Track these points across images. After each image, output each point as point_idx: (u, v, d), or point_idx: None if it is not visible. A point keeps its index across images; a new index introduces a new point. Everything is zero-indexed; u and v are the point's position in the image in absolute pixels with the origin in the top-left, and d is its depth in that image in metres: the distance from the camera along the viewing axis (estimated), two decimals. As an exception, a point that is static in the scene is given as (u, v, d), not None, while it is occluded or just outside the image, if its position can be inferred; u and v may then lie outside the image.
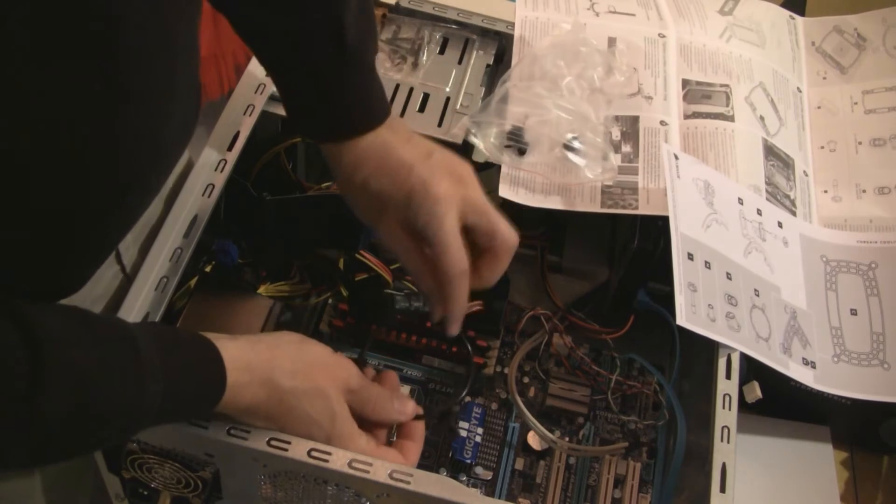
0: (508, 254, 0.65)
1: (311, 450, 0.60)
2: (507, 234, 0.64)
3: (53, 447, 0.49)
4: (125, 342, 0.51)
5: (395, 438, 0.67)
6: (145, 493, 0.68)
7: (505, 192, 0.78)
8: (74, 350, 0.48)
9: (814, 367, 0.74)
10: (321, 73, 0.64)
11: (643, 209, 0.76)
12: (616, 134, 0.82)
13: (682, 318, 0.68)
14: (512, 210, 0.84)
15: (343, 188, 0.68)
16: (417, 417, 0.67)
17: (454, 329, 0.66)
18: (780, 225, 0.80)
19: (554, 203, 0.78)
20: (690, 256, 0.71)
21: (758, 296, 0.74)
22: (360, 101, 0.65)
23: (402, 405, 0.65)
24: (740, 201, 0.78)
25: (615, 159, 0.80)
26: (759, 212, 0.79)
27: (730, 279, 0.73)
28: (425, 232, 0.62)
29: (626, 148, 0.81)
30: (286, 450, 0.59)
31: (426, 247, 0.64)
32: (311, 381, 0.59)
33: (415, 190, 0.62)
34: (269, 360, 0.58)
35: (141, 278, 0.66)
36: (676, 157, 0.76)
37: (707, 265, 0.72)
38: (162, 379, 0.51)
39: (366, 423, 0.63)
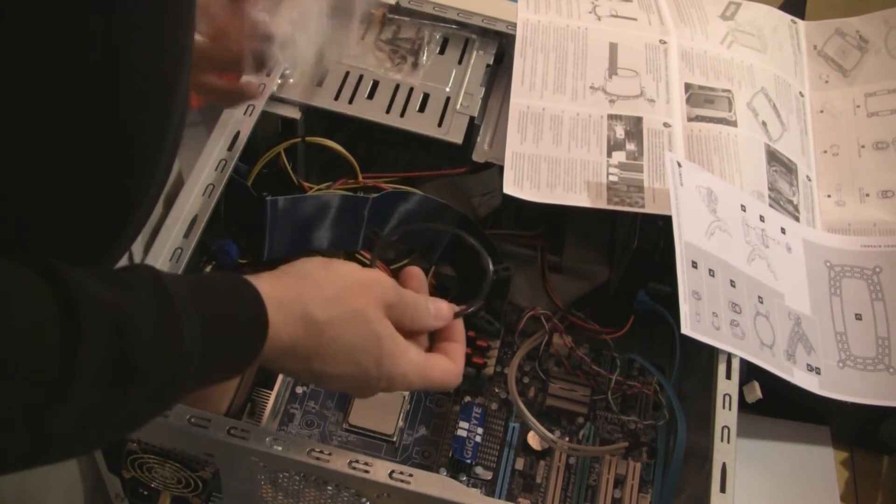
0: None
1: (311, 450, 0.60)
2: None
3: (98, 412, 0.44)
4: (150, 287, 0.46)
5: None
6: (145, 493, 0.68)
7: (510, 188, 0.78)
8: (106, 300, 0.44)
9: (818, 373, 0.74)
10: None
11: (649, 207, 0.76)
12: (620, 132, 0.82)
13: (687, 327, 0.68)
14: (512, 208, 0.84)
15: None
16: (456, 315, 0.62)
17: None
18: (783, 231, 0.80)
19: (559, 198, 0.78)
20: (694, 265, 0.71)
21: (762, 303, 0.74)
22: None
23: (437, 309, 0.60)
24: (743, 208, 0.78)
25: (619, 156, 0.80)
26: (761, 218, 0.79)
27: (734, 287, 0.73)
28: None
29: (631, 146, 0.81)
30: (286, 450, 0.59)
31: None
32: (348, 305, 0.55)
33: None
34: (300, 293, 0.53)
35: (141, 278, 0.66)
36: (679, 165, 0.76)
37: (711, 273, 0.72)
38: (198, 321, 0.47)
39: (406, 333, 0.59)
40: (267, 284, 0.52)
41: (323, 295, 0.54)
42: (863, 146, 0.89)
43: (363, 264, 0.76)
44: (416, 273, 0.63)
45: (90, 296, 0.43)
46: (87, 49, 0.47)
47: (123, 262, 0.68)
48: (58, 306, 0.42)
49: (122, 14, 0.48)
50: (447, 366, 0.59)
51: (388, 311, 0.57)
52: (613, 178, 0.79)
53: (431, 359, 0.59)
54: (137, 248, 0.71)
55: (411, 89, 0.84)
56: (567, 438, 0.77)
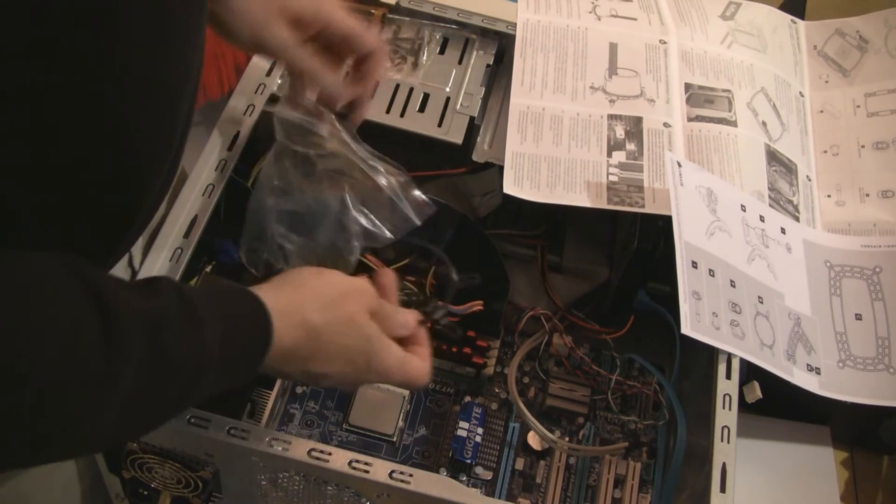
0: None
1: (311, 450, 0.60)
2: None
3: (138, 405, 0.48)
4: (173, 292, 0.50)
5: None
6: (145, 493, 0.68)
7: (510, 188, 0.78)
8: (137, 302, 0.47)
9: (818, 373, 0.74)
10: None
11: (649, 207, 0.76)
12: (620, 132, 0.82)
13: (687, 327, 0.68)
14: (512, 208, 0.84)
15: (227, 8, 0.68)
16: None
17: (363, 113, 0.73)
18: (782, 231, 0.80)
19: (559, 198, 0.78)
20: (694, 265, 0.71)
21: (762, 303, 0.74)
22: None
23: (404, 318, 0.65)
24: (743, 208, 0.78)
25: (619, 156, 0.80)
26: (761, 218, 0.79)
27: (734, 287, 0.73)
28: (341, 26, 0.69)
29: (631, 146, 0.81)
30: (286, 450, 0.59)
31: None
32: (342, 310, 0.59)
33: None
34: (298, 302, 0.58)
35: (141, 278, 0.66)
36: (679, 165, 0.76)
37: (711, 273, 0.72)
38: (217, 323, 0.51)
39: None
40: (268, 295, 0.56)
41: (320, 303, 0.58)
42: (863, 146, 0.89)
43: (363, 264, 0.77)
44: (387, 277, 0.68)
45: (122, 296, 0.46)
46: (92, 55, 0.47)
47: (123, 263, 0.68)
48: (94, 305, 0.44)
49: (128, 18, 0.48)
50: (420, 365, 0.63)
51: (371, 316, 0.61)
52: (613, 178, 0.79)
53: (409, 357, 0.63)
54: (137, 248, 0.71)
55: (411, 89, 0.84)
56: (567, 438, 0.77)
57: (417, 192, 0.70)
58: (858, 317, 0.78)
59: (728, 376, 0.68)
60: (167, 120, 0.57)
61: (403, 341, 0.65)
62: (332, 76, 0.71)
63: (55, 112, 0.48)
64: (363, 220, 0.70)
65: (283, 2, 0.68)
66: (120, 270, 0.66)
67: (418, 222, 0.70)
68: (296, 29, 0.69)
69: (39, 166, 0.50)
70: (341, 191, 0.69)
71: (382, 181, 0.70)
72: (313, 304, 0.58)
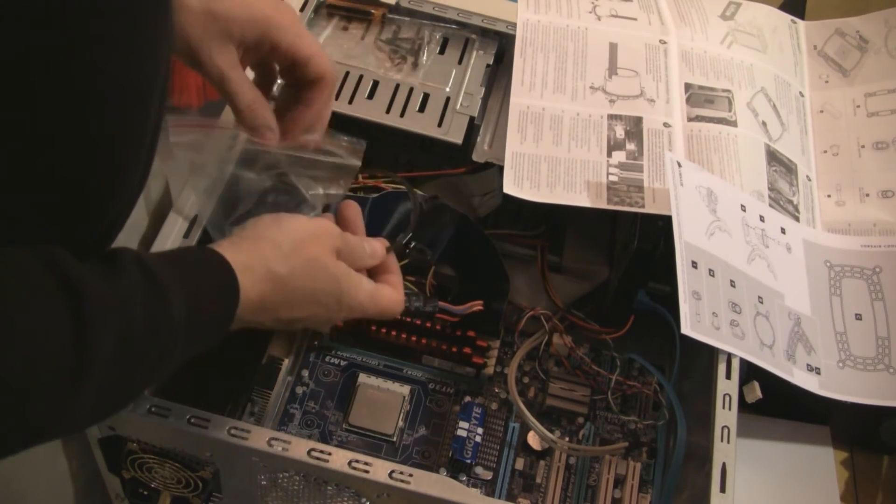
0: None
1: (311, 450, 0.60)
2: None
3: (110, 389, 0.48)
4: (136, 267, 0.50)
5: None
6: (145, 493, 0.68)
7: (510, 188, 0.78)
8: (103, 286, 0.47)
9: (818, 373, 0.74)
10: None
11: (649, 207, 0.76)
12: (620, 132, 0.82)
13: (687, 327, 0.68)
14: (512, 208, 0.84)
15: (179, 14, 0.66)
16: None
17: (318, 136, 0.70)
18: (782, 231, 0.80)
19: (559, 198, 0.78)
20: (694, 265, 0.71)
21: (762, 303, 0.74)
22: None
23: (372, 248, 0.66)
24: (743, 208, 0.78)
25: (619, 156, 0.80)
26: (761, 218, 0.79)
27: (733, 287, 0.73)
28: (290, 48, 0.67)
29: (631, 146, 0.81)
30: (286, 450, 0.59)
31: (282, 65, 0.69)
32: (305, 255, 0.60)
33: (266, 11, 0.66)
34: (260, 253, 0.58)
35: (141, 278, 0.66)
36: (679, 165, 0.76)
37: (711, 273, 0.72)
38: (182, 294, 0.51)
39: None
40: (230, 251, 0.56)
41: (281, 251, 0.59)
42: (863, 146, 0.89)
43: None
44: (350, 208, 0.68)
45: (90, 283, 0.46)
46: (63, 55, 0.47)
47: None
48: (63, 294, 0.44)
49: (98, 18, 0.48)
50: (392, 294, 0.65)
51: (337, 254, 0.62)
52: (613, 178, 0.79)
53: (380, 288, 0.65)
54: (136, 248, 0.71)
55: (411, 89, 0.84)
56: (567, 438, 0.77)
57: (345, 138, 0.71)
58: (858, 317, 0.78)
59: (728, 376, 0.68)
60: (138, 119, 0.57)
61: (373, 271, 0.67)
62: (260, 110, 0.68)
63: (28, 112, 0.48)
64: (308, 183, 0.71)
65: (226, 23, 0.65)
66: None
67: (357, 163, 0.71)
68: (239, 50, 0.67)
69: (11, 167, 0.50)
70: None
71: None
72: (275, 253, 0.58)
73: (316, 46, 0.68)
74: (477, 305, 0.77)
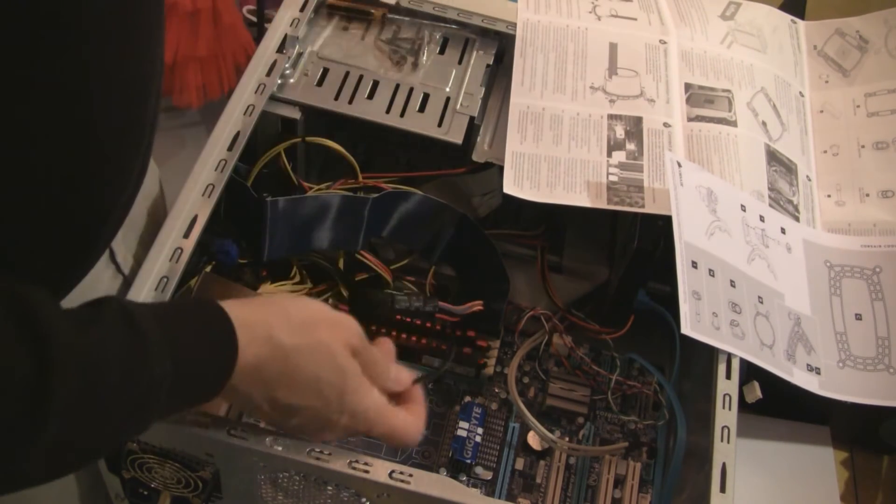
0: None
1: (311, 450, 0.60)
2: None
3: (69, 444, 0.45)
4: (119, 318, 0.47)
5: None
6: (145, 493, 0.68)
7: (510, 188, 0.78)
8: (74, 330, 0.44)
9: (818, 373, 0.74)
10: None
11: (649, 208, 0.76)
12: (620, 132, 0.82)
13: (687, 327, 0.68)
14: (512, 208, 0.84)
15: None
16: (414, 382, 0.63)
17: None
18: (782, 231, 0.80)
19: (559, 198, 0.78)
20: (694, 265, 0.71)
21: (762, 303, 0.74)
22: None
23: (398, 373, 0.61)
24: (743, 208, 0.78)
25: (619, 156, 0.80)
26: (761, 218, 0.79)
27: (734, 287, 0.73)
28: None
29: (631, 146, 0.81)
30: (286, 450, 0.59)
31: None
32: (314, 336, 0.55)
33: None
34: (266, 317, 0.53)
35: (141, 278, 0.66)
36: (679, 165, 0.76)
37: (711, 273, 0.72)
38: (167, 349, 0.47)
39: None
40: (234, 306, 0.52)
41: (289, 322, 0.54)
42: (863, 146, 0.89)
43: (363, 264, 0.77)
44: (385, 343, 0.63)
45: (60, 329, 0.43)
46: (58, 54, 0.47)
47: (104, 260, 0.67)
48: (29, 343, 0.42)
49: (93, 18, 0.48)
50: (409, 418, 0.60)
51: (352, 353, 0.57)
52: (613, 178, 0.79)
53: (395, 408, 0.59)
54: (118, 243, 0.71)
55: (411, 89, 0.84)
56: (567, 438, 0.77)
57: None
58: (858, 317, 0.78)
59: (728, 376, 0.68)
60: (135, 118, 0.57)
61: (396, 399, 0.61)
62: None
63: (25, 110, 0.48)
64: None
65: None
66: (101, 266, 0.66)
67: None
68: None
69: (11, 165, 0.50)
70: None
71: None
72: (283, 321, 0.54)
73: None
74: (477, 305, 0.77)
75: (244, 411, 0.56)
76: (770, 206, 0.81)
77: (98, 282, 0.67)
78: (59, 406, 0.42)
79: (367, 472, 0.59)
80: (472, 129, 0.82)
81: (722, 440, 0.65)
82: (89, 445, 0.47)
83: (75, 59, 0.49)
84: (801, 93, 0.93)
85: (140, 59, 0.55)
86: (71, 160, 0.53)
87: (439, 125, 0.81)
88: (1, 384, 0.41)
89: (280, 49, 0.82)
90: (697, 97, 0.86)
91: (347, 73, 0.84)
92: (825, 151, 0.90)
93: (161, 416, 0.49)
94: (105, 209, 0.59)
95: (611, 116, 0.83)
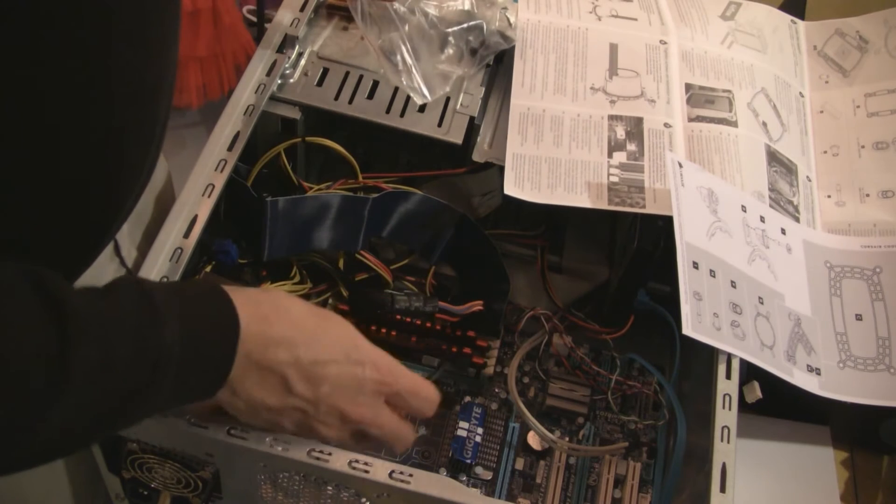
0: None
1: (311, 450, 0.60)
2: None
3: (88, 412, 0.45)
4: (132, 292, 0.48)
5: None
6: (145, 493, 0.68)
7: (510, 189, 0.78)
8: (89, 302, 0.46)
9: (819, 373, 0.74)
10: None
11: (650, 208, 0.76)
12: (621, 133, 0.82)
13: (689, 328, 0.68)
14: (512, 208, 0.84)
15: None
16: None
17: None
18: (783, 232, 0.80)
19: (560, 199, 0.78)
20: (695, 265, 0.71)
21: (762, 303, 0.74)
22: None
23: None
24: (743, 209, 0.78)
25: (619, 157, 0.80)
26: (762, 219, 0.79)
27: (734, 287, 0.73)
28: None
29: (632, 146, 0.81)
30: (286, 450, 0.59)
31: None
32: (314, 307, 0.57)
33: None
34: (264, 295, 0.55)
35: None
36: (680, 165, 0.76)
37: (712, 273, 0.72)
38: (176, 321, 0.48)
39: None
40: (234, 290, 0.53)
41: (289, 297, 0.56)
42: (863, 146, 0.89)
43: (363, 264, 0.77)
44: None
45: (76, 302, 0.44)
46: (80, 51, 0.48)
47: (108, 251, 0.68)
48: (45, 313, 0.43)
49: (114, 18, 0.48)
50: (411, 432, 0.60)
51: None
52: (614, 179, 0.79)
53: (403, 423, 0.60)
54: (123, 237, 0.71)
55: (411, 89, 0.84)
56: (567, 438, 0.77)
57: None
58: (859, 317, 0.78)
59: (728, 376, 0.68)
60: (149, 116, 0.57)
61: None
62: None
63: (51, 111, 0.48)
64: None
65: None
66: (106, 259, 0.66)
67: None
68: None
69: (35, 164, 0.50)
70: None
71: None
72: (281, 295, 0.55)
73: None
74: (477, 305, 0.77)
75: (272, 406, 0.54)
76: (770, 206, 0.81)
77: (103, 274, 0.67)
78: (79, 369, 0.43)
79: (367, 472, 0.59)
80: (472, 129, 0.82)
81: (722, 440, 0.65)
82: (107, 410, 0.47)
83: (98, 59, 0.49)
84: (801, 93, 0.93)
85: (154, 59, 0.55)
86: (90, 157, 0.53)
87: (439, 125, 0.81)
88: (23, 349, 0.42)
89: (280, 49, 0.82)
90: (698, 97, 0.86)
91: (347, 73, 0.84)
92: (825, 152, 0.90)
93: (170, 393, 0.49)
94: (119, 203, 0.60)
95: (611, 117, 0.83)
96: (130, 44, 0.51)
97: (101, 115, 0.52)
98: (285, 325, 0.53)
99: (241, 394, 0.53)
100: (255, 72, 0.80)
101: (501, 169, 0.80)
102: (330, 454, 0.60)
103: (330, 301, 0.80)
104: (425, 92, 0.81)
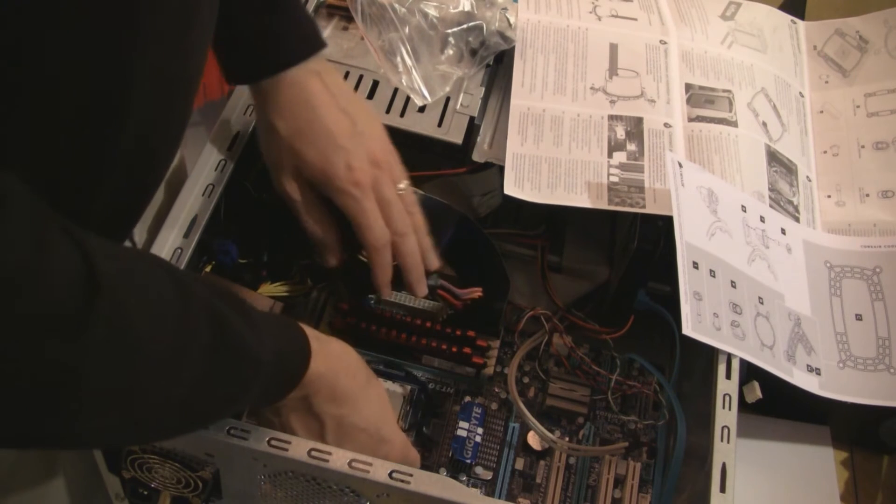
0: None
1: (311, 450, 0.60)
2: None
3: (198, 390, 0.49)
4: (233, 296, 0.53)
5: None
6: (145, 493, 0.68)
7: (510, 189, 0.78)
8: (208, 294, 0.49)
9: (818, 373, 0.74)
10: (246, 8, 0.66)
11: (650, 208, 0.76)
12: (621, 133, 0.82)
13: (689, 328, 0.68)
14: (512, 208, 0.84)
15: (262, 132, 0.70)
16: None
17: (385, 292, 0.71)
18: (783, 232, 0.80)
19: (560, 199, 0.78)
20: (696, 265, 0.71)
21: (762, 303, 0.74)
22: (284, 33, 0.67)
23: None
24: (743, 209, 0.78)
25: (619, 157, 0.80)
26: (762, 219, 0.79)
27: (734, 287, 0.73)
28: (344, 210, 0.68)
29: (632, 147, 0.81)
30: (286, 450, 0.59)
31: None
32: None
33: (337, 170, 0.67)
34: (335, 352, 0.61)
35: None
36: (680, 165, 0.76)
37: (712, 273, 0.72)
38: (267, 331, 0.53)
39: None
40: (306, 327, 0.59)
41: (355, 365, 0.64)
42: (863, 146, 0.89)
43: (363, 264, 0.77)
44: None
45: (198, 287, 0.49)
46: (125, 49, 0.48)
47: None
48: (175, 288, 0.46)
49: (160, 13, 0.49)
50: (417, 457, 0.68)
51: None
52: (614, 179, 0.79)
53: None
54: (150, 223, 0.71)
55: (411, 89, 0.84)
56: (567, 438, 0.77)
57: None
58: (859, 317, 0.78)
59: (728, 376, 0.68)
60: (179, 113, 0.58)
61: None
62: (318, 235, 0.71)
63: (97, 110, 0.49)
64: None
65: (301, 163, 0.68)
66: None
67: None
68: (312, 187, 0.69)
69: (82, 160, 0.51)
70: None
71: None
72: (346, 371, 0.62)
73: (370, 217, 0.68)
74: (477, 292, 0.77)
75: (299, 435, 0.61)
76: (770, 206, 0.81)
77: None
78: (198, 346, 0.47)
79: (367, 472, 0.59)
80: (472, 129, 0.82)
81: (722, 440, 0.65)
82: (208, 405, 0.52)
83: (142, 58, 0.49)
84: (801, 93, 0.93)
85: (189, 58, 0.56)
86: (125, 156, 0.53)
87: (439, 125, 0.81)
88: (161, 320, 0.45)
89: (280, 49, 0.82)
90: (698, 97, 0.86)
91: (347, 74, 0.84)
92: (825, 152, 0.90)
93: (251, 400, 0.56)
94: (143, 200, 0.61)
95: (611, 117, 0.83)
96: (174, 43, 0.52)
97: (142, 112, 0.52)
98: (343, 382, 0.60)
99: (282, 416, 0.60)
100: (255, 72, 0.80)
101: (501, 169, 0.80)
102: (330, 454, 0.60)
103: (330, 301, 0.80)
104: (425, 93, 0.81)
